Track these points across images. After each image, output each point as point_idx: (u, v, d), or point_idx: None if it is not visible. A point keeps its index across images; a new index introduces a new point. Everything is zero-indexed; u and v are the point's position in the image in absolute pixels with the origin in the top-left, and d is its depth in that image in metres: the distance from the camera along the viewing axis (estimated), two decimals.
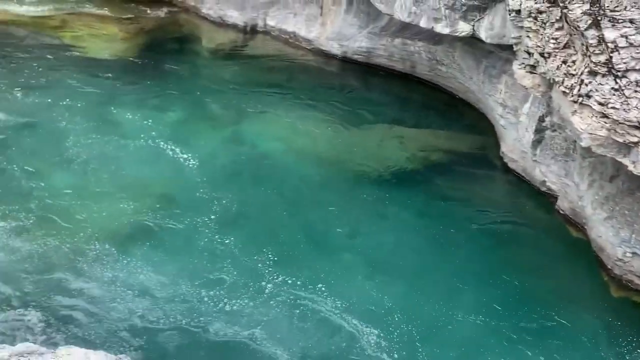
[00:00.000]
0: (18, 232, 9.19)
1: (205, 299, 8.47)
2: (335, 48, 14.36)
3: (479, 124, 12.66)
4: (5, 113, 11.75)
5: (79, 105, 12.32)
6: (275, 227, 9.89)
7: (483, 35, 10.78)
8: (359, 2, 13.76)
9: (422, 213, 10.49)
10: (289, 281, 8.86)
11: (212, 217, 9.92)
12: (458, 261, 9.49)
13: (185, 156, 11.42)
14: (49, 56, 13.75)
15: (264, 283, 8.80)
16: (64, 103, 12.28)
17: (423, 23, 11.41)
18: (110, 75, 13.48)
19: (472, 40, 11.57)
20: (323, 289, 8.78)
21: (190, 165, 11.25)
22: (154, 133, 11.92)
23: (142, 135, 11.81)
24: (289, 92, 13.62)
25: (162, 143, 11.72)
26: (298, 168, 11.45)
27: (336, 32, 14.30)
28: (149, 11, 15.94)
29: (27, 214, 9.54)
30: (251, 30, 15.33)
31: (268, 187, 10.83)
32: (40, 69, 13.20)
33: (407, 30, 13.24)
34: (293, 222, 10.06)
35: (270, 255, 9.25)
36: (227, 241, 9.46)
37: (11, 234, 9.16)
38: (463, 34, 11.01)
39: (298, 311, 8.42)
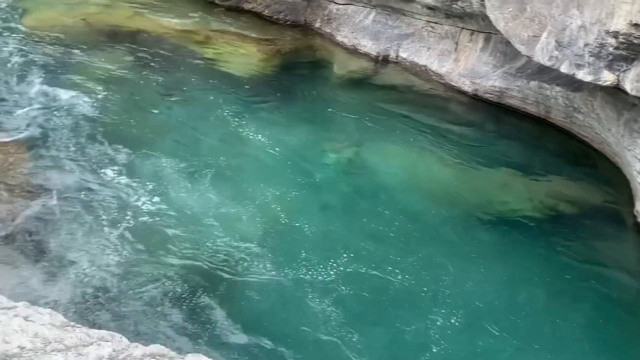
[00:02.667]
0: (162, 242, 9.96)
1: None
2: (466, 85, 14.47)
3: (613, 178, 12.19)
4: (144, 118, 12.91)
5: (211, 117, 13.22)
6: (381, 264, 9.96)
7: (628, 86, 10.46)
8: (497, 42, 13.83)
9: (540, 267, 10.15)
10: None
11: (323, 239, 10.33)
12: (576, 327, 9.08)
13: (306, 178, 11.97)
14: (191, 69, 14.86)
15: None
16: (198, 114, 13.23)
17: (564, 68, 11.26)
18: (244, 92, 14.36)
19: (615, 91, 11.25)
20: (425, 340, 8.69)
21: (310, 187, 11.78)
22: (278, 150, 12.60)
23: (267, 152, 12.50)
24: (414, 125, 13.85)
25: (285, 162, 12.37)
26: (414, 203, 11.56)
27: (469, 69, 14.42)
28: (286, 34, 16.87)
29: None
30: (383, 60, 15.77)
31: (381, 219, 11.07)
32: (183, 80, 14.30)
33: (545, 73, 13.09)
34: (400, 261, 10.06)
35: (374, 292, 9.36)
36: (333, 267, 9.84)
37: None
38: (606, 83, 10.74)
39: None
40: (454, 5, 13.74)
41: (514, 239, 10.73)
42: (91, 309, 8.35)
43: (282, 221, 10.69)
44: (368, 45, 15.84)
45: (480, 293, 9.54)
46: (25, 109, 12.16)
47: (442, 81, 14.98)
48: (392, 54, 15.68)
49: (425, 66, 15.16)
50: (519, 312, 9.28)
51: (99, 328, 5.25)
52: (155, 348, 4.39)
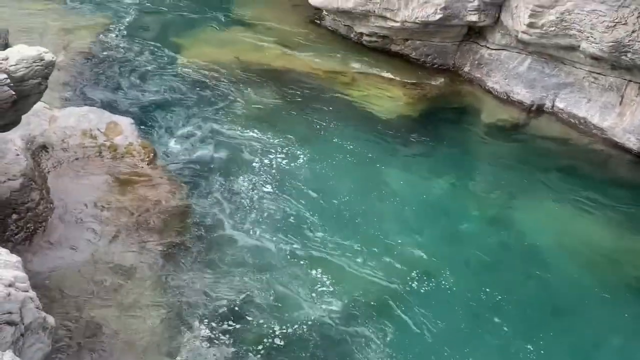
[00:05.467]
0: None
1: None
2: (631, 142, 13.68)
3: None
4: (288, 154, 13.38)
5: (354, 158, 13.42)
6: (532, 334, 9.58)
7: None
8: None
9: None
10: None
11: (467, 297, 10.10)
12: None
13: (449, 229, 11.80)
14: (337, 108, 15.22)
15: None
16: (342, 153, 13.49)
17: None
18: (388, 135, 14.48)
19: None
20: None
21: (453, 239, 11.58)
22: (421, 198, 12.54)
23: (409, 198, 12.46)
24: (568, 181, 13.29)
25: (428, 210, 12.29)
26: (568, 267, 11.04)
27: (636, 125, 13.63)
28: (432, 78, 16.90)
29: None
30: (537, 110, 15.31)
31: (531, 282, 10.66)
32: (329, 119, 14.68)
33: None
34: (556, 335, 9.59)
35: None
36: (479, 330, 9.54)
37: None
38: None
39: None
40: (623, 57, 13.11)
41: None
42: None
43: (424, 273, 10.59)
44: (521, 93, 15.47)
45: None
46: (182, 141, 13.05)
47: (603, 136, 14.28)
48: (548, 104, 15.20)
49: (584, 118, 14.55)
50: None
51: None
52: None
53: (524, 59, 15.60)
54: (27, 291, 4.67)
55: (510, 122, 15.26)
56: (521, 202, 12.74)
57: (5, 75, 7.95)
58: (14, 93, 8.01)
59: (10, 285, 4.50)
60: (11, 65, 8.17)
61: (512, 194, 12.93)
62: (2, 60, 8.13)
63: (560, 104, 14.97)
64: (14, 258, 4.93)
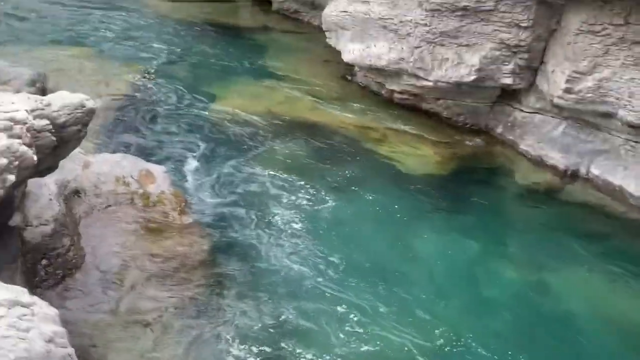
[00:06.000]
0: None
1: None
2: None
3: None
4: (316, 207, 13.29)
5: (382, 216, 13.25)
6: None
7: None
8: None
9: None
10: None
11: None
12: None
13: (478, 296, 11.50)
14: (366, 164, 15.22)
15: None
16: (369, 210, 13.38)
17: None
18: (417, 194, 14.35)
19: None
20: None
21: (483, 307, 11.27)
22: (448, 261, 12.28)
23: (436, 261, 12.23)
24: (603, 250, 12.94)
25: (455, 274, 12.02)
26: (606, 342, 10.63)
27: None
28: (464, 138, 16.86)
29: None
30: (571, 175, 15.14)
31: (566, 354, 10.32)
32: (358, 174, 14.63)
33: None
34: None
35: None
36: None
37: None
38: None
39: None
40: None
41: None
42: None
43: (453, 337, 10.24)
44: (556, 158, 15.32)
45: None
46: (213, 190, 13.06)
47: (639, 205, 14.03)
48: (583, 170, 15.02)
49: (620, 187, 14.32)
50: None
51: None
52: None
53: (559, 123, 15.51)
54: (65, 347, 4.55)
55: (544, 186, 15.08)
56: (555, 269, 12.43)
57: (48, 121, 8.02)
58: (55, 139, 8.06)
59: (49, 341, 4.38)
60: (54, 112, 8.26)
61: (546, 261, 12.63)
62: (45, 106, 8.22)
63: (595, 171, 14.78)
64: (52, 311, 4.83)
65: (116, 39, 22.02)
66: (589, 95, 14.05)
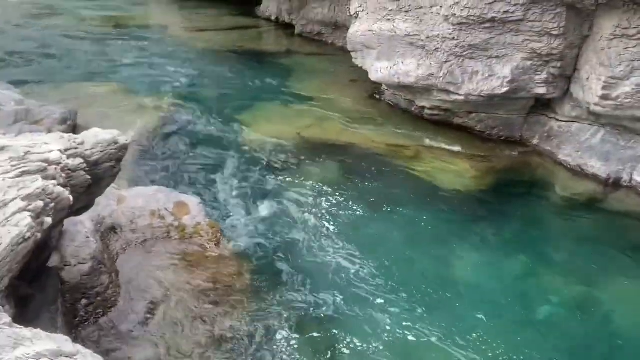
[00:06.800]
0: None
1: None
2: None
3: None
4: (353, 229, 13.05)
5: (419, 235, 12.96)
6: None
7: None
8: None
9: None
10: None
11: None
12: None
13: (526, 315, 11.09)
14: (401, 183, 14.96)
15: None
16: (407, 229, 13.07)
17: None
18: (455, 210, 14.05)
19: None
20: None
21: (532, 326, 10.84)
22: (492, 279, 11.91)
23: (479, 279, 11.87)
24: None
25: (501, 293, 11.62)
26: None
27: None
28: (500, 150, 16.53)
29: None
30: (613, 183, 14.71)
31: None
32: (392, 194, 14.37)
33: None
34: None
35: None
36: None
37: None
38: None
39: None
40: None
41: None
42: None
43: None
44: (596, 166, 14.91)
45: None
46: (248, 219, 12.91)
47: None
48: (625, 177, 14.58)
49: None
50: None
51: None
52: None
53: (597, 131, 15.12)
54: None
55: (586, 197, 14.65)
56: (603, 283, 11.99)
57: (81, 160, 7.99)
58: (89, 177, 8.02)
59: None
60: (87, 150, 8.23)
61: (594, 275, 12.19)
62: (79, 144, 8.20)
63: (638, 178, 14.32)
64: (97, 359, 4.68)
65: (142, 70, 22.28)
66: (628, 100, 13.66)
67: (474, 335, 10.46)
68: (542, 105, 16.20)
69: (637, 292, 11.79)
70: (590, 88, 14.32)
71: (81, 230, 9.55)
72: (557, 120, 15.95)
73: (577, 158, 15.26)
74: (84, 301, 8.91)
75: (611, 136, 14.89)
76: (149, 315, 9.30)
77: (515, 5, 14.30)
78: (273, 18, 30.12)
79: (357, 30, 18.09)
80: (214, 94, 20.23)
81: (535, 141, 16.39)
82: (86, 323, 8.78)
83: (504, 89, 15.41)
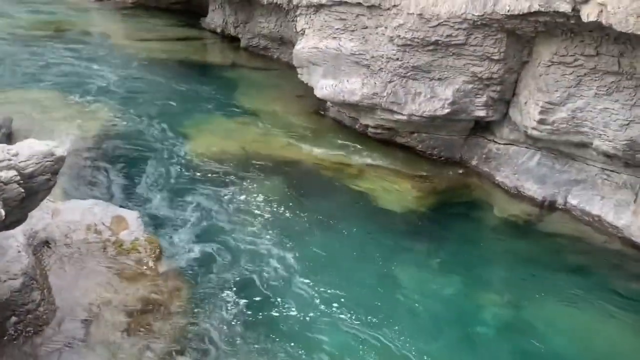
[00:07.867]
0: None
1: None
2: None
3: None
4: (296, 247, 13.03)
5: (361, 254, 13.06)
6: None
7: None
8: None
9: None
10: None
11: None
12: None
13: (462, 334, 11.28)
14: (344, 201, 15.06)
15: None
16: (348, 248, 13.15)
17: None
18: (396, 230, 14.20)
19: None
20: None
21: (467, 345, 11.03)
22: (430, 298, 12.07)
23: (418, 299, 11.99)
24: (585, 282, 12.87)
25: (438, 312, 11.79)
26: None
27: None
28: (441, 171, 16.83)
29: None
30: (549, 206, 15.18)
31: None
32: (335, 212, 14.43)
33: None
34: None
35: None
36: None
37: None
38: None
39: None
40: (638, 155, 13.11)
41: None
42: None
43: None
44: (532, 189, 15.37)
45: None
46: (188, 235, 12.71)
47: (618, 234, 14.05)
48: (560, 200, 15.07)
49: (598, 216, 14.37)
50: None
51: None
52: None
53: (533, 154, 15.62)
54: None
55: (522, 218, 15.05)
56: (537, 303, 12.32)
57: (15, 172, 7.72)
58: (23, 191, 7.75)
59: None
60: (21, 162, 7.96)
61: (527, 295, 12.52)
62: (13, 156, 7.92)
63: (573, 201, 14.85)
64: None
65: (82, 78, 21.75)
66: (563, 125, 14.17)
67: (408, 352, 10.53)
68: (482, 128, 16.63)
69: (568, 312, 12.15)
70: (528, 112, 14.79)
71: (12, 244, 9.21)
72: (496, 142, 16.40)
73: (515, 180, 15.70)
74: (13, 319, 8.57)
75: (547, 160, 15.39)
76: (81, 335, 9.01)
77: (458, 29, 14.67)
78: (219, 30, 29.94)
79: (303, 47, 18.18)
80: (157, 104, 19.92)
81: (474, 162, 16.79)
82: (14, 342, 8.43)
83: (446, 111, 15.75)
